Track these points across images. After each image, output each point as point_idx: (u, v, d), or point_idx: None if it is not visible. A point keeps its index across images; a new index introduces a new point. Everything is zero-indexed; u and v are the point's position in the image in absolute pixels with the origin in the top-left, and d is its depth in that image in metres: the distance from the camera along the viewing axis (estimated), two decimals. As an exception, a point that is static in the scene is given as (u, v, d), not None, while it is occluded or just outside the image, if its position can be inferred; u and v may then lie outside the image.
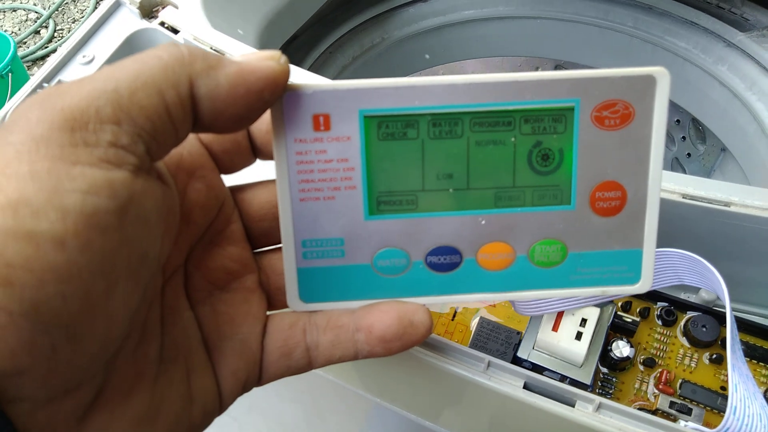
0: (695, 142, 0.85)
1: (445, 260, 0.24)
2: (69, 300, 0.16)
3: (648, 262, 0.24)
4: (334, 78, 0.52)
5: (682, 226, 0.35)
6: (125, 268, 0.18)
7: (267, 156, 0.24)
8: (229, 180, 0.26)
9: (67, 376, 0.17)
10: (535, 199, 0.24)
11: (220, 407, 0.23)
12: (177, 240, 0.23)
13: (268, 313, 0.25)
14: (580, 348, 0.32)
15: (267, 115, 0.22)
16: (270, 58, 0.20)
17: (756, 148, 0.66)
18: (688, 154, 0.86)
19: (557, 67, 0.92)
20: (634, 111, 0.23)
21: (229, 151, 0.24)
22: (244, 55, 0.20)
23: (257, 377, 0.24)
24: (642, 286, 0.25)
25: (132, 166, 0.18)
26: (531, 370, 0.31)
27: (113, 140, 0.17)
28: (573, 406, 0.29)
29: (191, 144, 0.24)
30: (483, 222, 0.24)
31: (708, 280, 0.31)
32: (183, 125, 0.19)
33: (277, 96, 0.21)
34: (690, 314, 0.36)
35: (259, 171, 0.26)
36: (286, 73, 0.20)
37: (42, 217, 0.16)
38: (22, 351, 0.16)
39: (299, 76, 0.40)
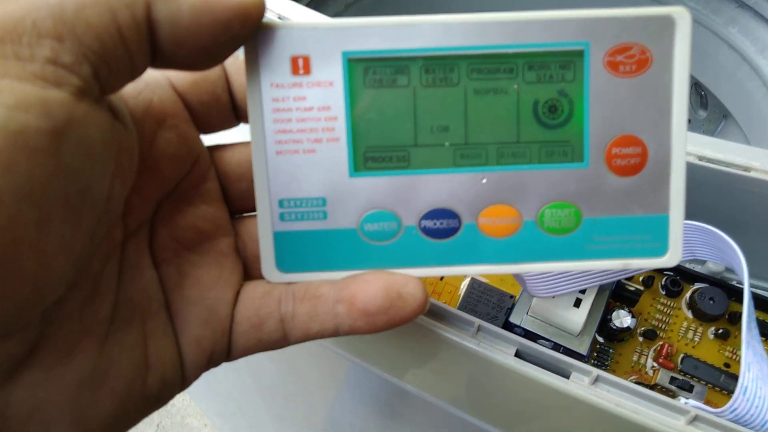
0: (696, 107, 0.82)
1: (442, 225, 0.22)
2: None
3: (676, 230, 0.22)
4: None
5: (697, 192, 0.33)
6: (62, 201, 0.16)
7: None
8: (209, 141, 0.24)
9: None
10: (543, 155, 0.21)
11: (183, 380, 0.21)
12: (142, 191, 0.21)
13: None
14: (579, 316, 0.30)
15: None
16: None
17: (764, 116, 0.64)
18: (688, 121, 0.84)
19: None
20: (652, 56, 0.21)
21: (207, 104, 0.22)
22: None
23: (225, 350, 0.22)
24: (670, 259, 0.22)
25: (74, 87, 0.16)
26: (523, 336, 0.28)
27: (52, 57, 0.16)
28: (568, 377, 0.27)
29: (163, 90, 0.22)
30: (484, 181, 0.21)
31: (725, 254, 0.29)
32: (139, 51, 0.17)
33: (248, 30, 0.19)
34: (697, 285, 0.34)
35: (243, 137, 0.24)
36: (260, 5, 0.19)
37: None
38: None
39: (293, 11, 0.37)
